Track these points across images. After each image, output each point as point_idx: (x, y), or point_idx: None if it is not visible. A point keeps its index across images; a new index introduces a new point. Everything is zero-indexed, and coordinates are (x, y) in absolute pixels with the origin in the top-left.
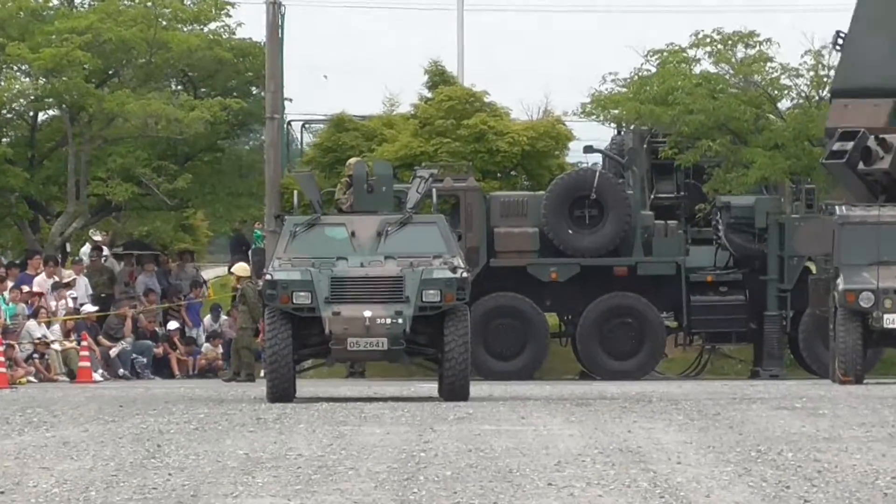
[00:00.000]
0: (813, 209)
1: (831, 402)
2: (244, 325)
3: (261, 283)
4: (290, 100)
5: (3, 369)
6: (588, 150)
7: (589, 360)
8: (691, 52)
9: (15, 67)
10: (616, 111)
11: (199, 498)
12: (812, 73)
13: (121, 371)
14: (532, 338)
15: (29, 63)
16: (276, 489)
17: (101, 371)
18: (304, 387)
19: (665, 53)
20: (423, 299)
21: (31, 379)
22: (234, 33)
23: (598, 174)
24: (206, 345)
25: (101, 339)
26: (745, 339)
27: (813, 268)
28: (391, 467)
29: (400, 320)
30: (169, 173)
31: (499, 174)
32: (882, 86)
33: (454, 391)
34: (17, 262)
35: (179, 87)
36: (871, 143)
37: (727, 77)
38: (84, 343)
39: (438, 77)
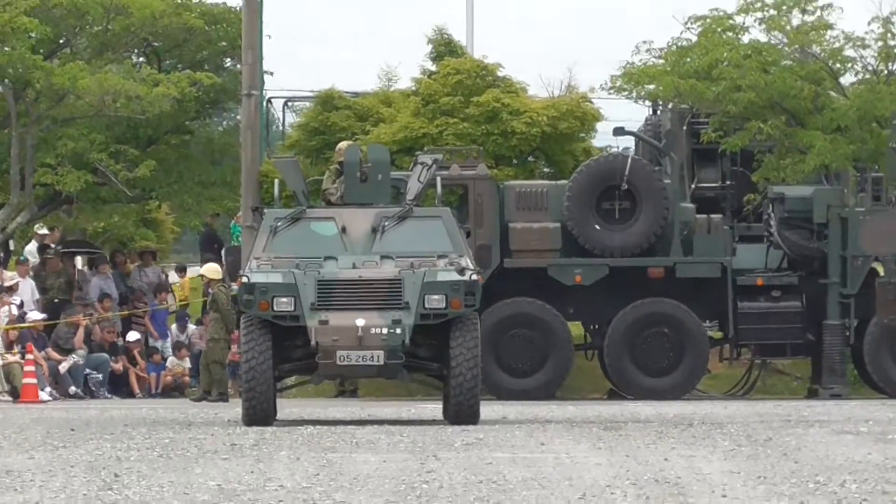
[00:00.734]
0: (881, 201)
1: None
2: (216, 336)
3: (235, 286)
4: (271, 73)
5: None
6: (618, 132)
7: (619, 376)
8: (739, 19)
9: None
10: (651, 87)
11: None
12: (880, 44)
13: (72, 389)
14: (553, 351)
15: None
16: None
17: (48, 389)
18: (286, 407)
19: (708, 20)
20: (426, 306)
21: None
22: None
23: (630, 160)
24: (172, 358)
25: (50, 351)
26: (801, 353)
27: (881, 269)
28: (388, 501)
29: (398, 330)
30: (129, 159)
31: (514, 160)
32: None
33: (462, 413)
34: None
35: (141, 60)
36: None
37: (781, 48)
38: (29, 356)
39: (444, 47)
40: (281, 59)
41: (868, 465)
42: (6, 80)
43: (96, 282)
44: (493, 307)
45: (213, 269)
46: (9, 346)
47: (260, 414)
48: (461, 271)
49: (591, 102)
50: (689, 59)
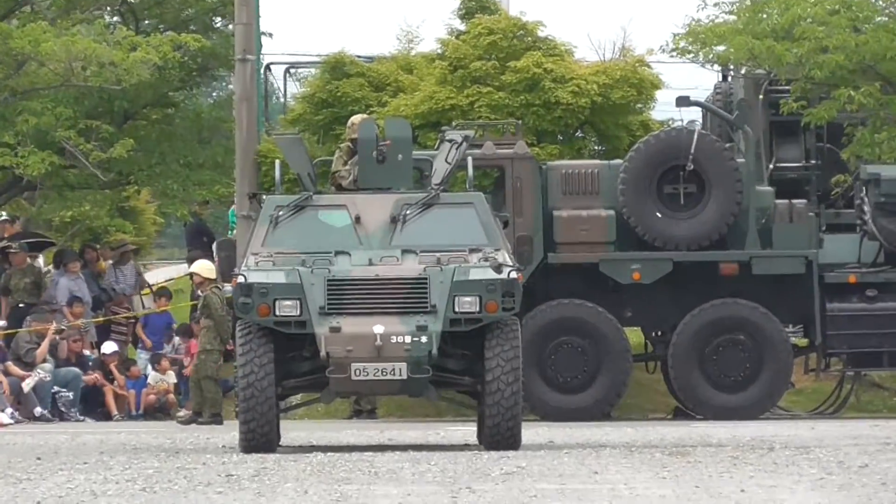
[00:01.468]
0: None
1: None
2: (208, 347)
3: (230, 287)
4: (270, 35)
5: None
6: (682, 102)
7: (686, 392)
8: None
9: None
10: (720, 48)
11: None
12: None
13: (38, 410)
14: (607, 362)
15: None
16: None
17: (10, 410)
18: (291, 431)
19: None
20: (456, 309)
21: None
22: None
23: (696, 136)
24: (153, 373)
25: (10, 365)
26: None
27: None
28: None
29: (424, 338)
30: (102, 138)
31: (559, 136)
32: None
33: (500, 436)
34: None
35: (116, 19)
36: None
37: (875, 1)
38: None
39: (475, 3)
40: (282, 17)
41: None
42: None
43: (65, 283)
44: (536, 311)
45: (206, 267)
46: None
47: (260, 439)
48: (498, 268)
49: (650, 67)
50: (765, 16)
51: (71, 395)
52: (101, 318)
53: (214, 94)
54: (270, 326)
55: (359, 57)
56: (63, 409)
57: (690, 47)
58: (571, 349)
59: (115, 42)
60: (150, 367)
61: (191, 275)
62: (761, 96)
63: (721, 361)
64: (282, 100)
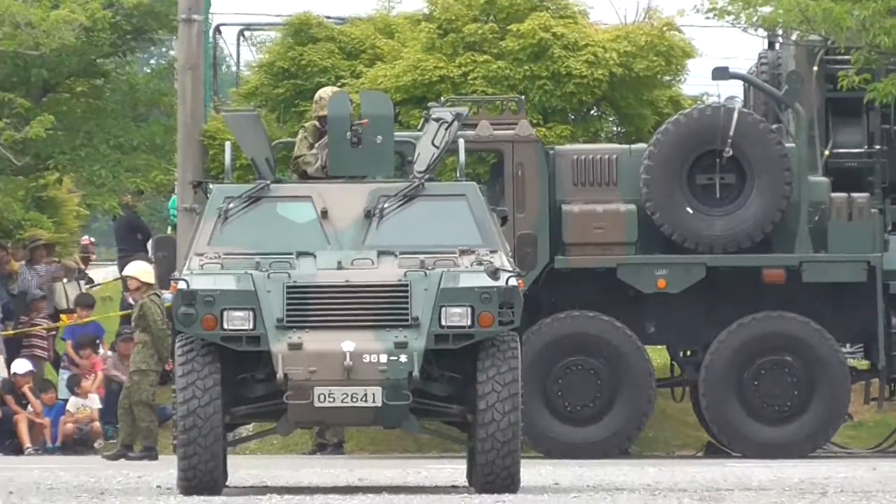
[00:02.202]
0: None
1: None
2: (143, 367)
3: (169, 295)
4: None
5: None
6: (720, 74)
7: (721, 424)
8: None
9: None
10: (766, 9)
11: None
12: None
13: None
14: (625, 388)
15: None
16: None
17: None
18: (240, 468)
19: None
20: (443, 322)
21: None
22: None
23: (736, 115)
24: (74, 399)
25: None
26: None
27: None
28: None
29: (403, 357)
30: (16, 114)
31: (571, 115)
32: None
33: (495, 477)
34: None
35: None
36: None
37: None
38: None
39: None
40: None
41: None
42: None
43: None
44: (540, 325)
45: (142, 270)
46: None
47: (203, 478)
48: (494, 273)
49: (680, 32)
50: None
51: None
52: (10, 331)
53: (152, 61)
54: (217, 342)
55: (328, 18)
56: None
57: (730, 7)
58: (582, 372)
59: None
60: (68, 390)
61: (123, 279)
62: (815, 68)
63: (763, 388)
64: (234, 69)
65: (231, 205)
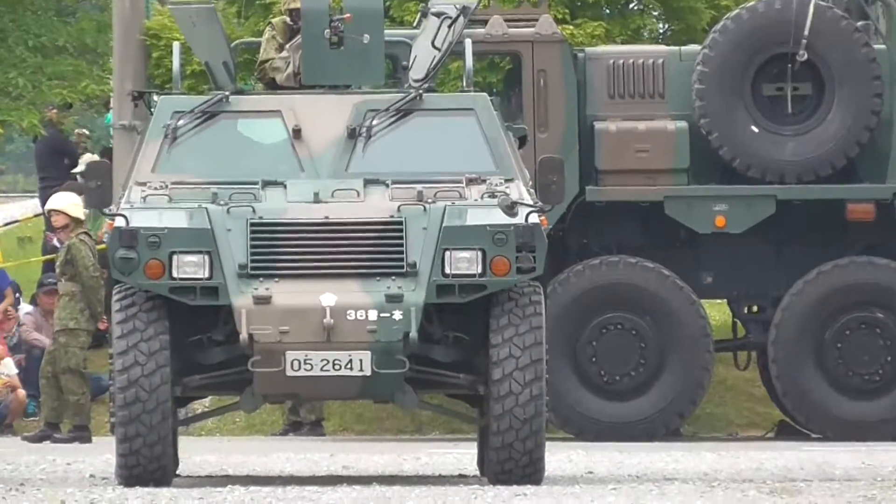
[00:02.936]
0: None
1: None
2: (71, 325)
3: (105, 234)
4: None
5: None
6: None
7: (796, 397)
8: None
9: None
10: None
11: None
12: None
13: None
14: (675, 352)
15: None
16: None
17: None
18: (195, 453)
19: None
20: (447, 270)
21: None
22: None
23: (812, 9)
24: None
25: None
26: None
27: None
28: None
29: (397, 314)
30: None
31: (605, 8)
32: None
33: (512, 464)
34: None
35: None
36: None
37: None
38: None
39: None
40: None
41: None
42: None
43: None
44: (569, 273)
45: (71, 204)
46: None
47: (148, 466)
48: (510, 208)
49: None
50: None
51: None
52: None
53: None
54: (164, 294)
55: None
56: None
57: None
58: (622, 332)
59: None
60: None
61: (47, 214)
62: None
63: (848, 352)
64: None
65: (181, 121)
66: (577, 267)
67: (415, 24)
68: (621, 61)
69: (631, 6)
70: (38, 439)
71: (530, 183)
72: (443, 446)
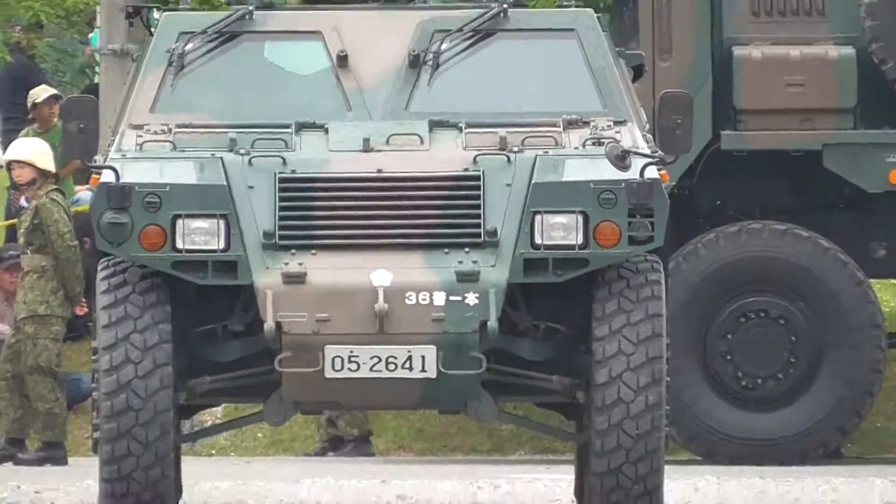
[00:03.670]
0: None
1: None
2: (39, 311)
3: (87, 193)
4: None
5: None
6: None
7: None
8: None
9: None
10: None
11: None
12: None
13: None
14: (837, 348)
15: None
16: None
17: None
18: (204, 479)
19: None
20: (538, 239)
21: None
22: None
23: None
24: None
25: None
26: None
27: None
28: None
29: (472, 297)
30: None
31: None
32: None
33: (623, 495)
34: None
35: None
36: None
37: None
38: None
39: None
40: None
41: None
42: None
43: None
44: (697, 245)
45: (39, 153)
46: None
47: (142, 495)
48: (621, 158)
49: None
50: None
51: None
52: None
53: None
54: (166, 271)
55: None
56: None
57: None
58: (766, 323)
59: None
60: None
61: (7, 166)
62: None
63: None
64: None
65: (189, 45)
66: (709, 236)
67: None
68: None
69: None
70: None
71: (648, 127)
72: (529, 470)
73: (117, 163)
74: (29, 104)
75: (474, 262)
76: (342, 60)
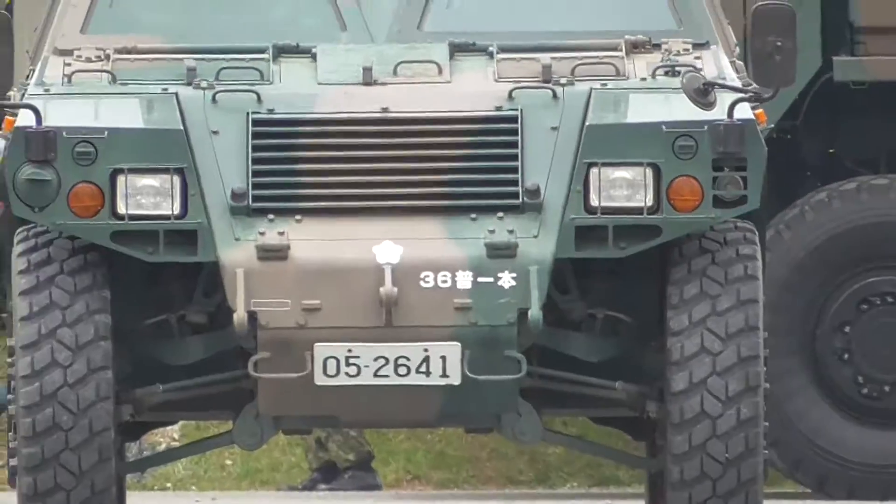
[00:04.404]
0: None
1: None
2: None
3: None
4: None
5: None
6: None
7: None
8: None
9: None
10: None
11: None
12: None
13: None
14: None
15: None
16: None
17: None
18: None
19: None
20: (594, 201)
21: None
22: None
23: None
24: None
25: None
26: None
27: None
28: None
29: (508, 277)
30: None
31: None
32: None
33: None
34: None
35: None
36: None
37: None
38: None
39: None
40: None
41: None
42: None
43: None
44: (804, 207)
45: None
46: None
47: None
48: (702, 93)
49: None
50: None
51: None
52: None
53: None
54: (104, 243)
55: None
56: None
57: None
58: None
59: None
60: None
61: None
62: None
63: None
64: None
65: None
66: (819, 195)
67: None
68: None
69: None
70: None
71: (737, 51)
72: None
73: (38, 100)
74: None
75: (510, 231)
76: None
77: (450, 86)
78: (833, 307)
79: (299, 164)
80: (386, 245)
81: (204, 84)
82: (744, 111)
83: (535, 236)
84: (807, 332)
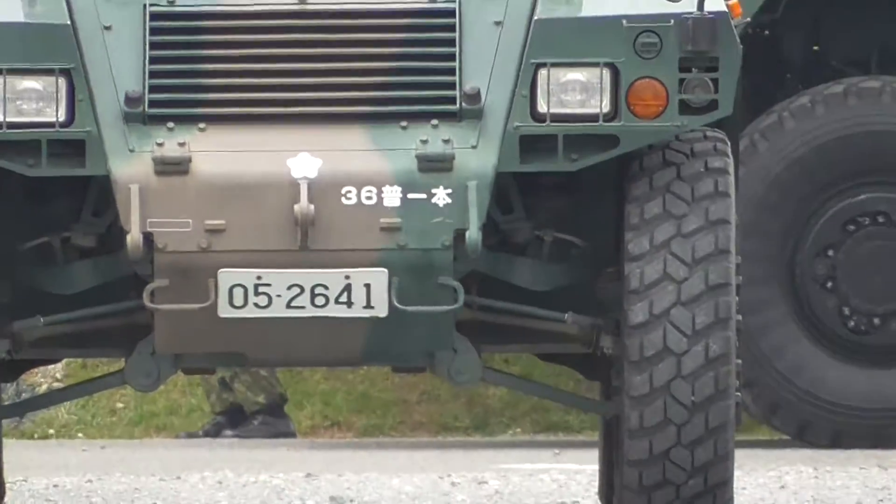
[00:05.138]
0: None
1: None
2: None
3: None
4: None
5: None
6: None
7: None
8: None
9: None
10: None
11: None
12: None
13: None
14: None
15: None
16: None
17: None
18: (40, 472)
19: None
20: (542, 106)
21: None
22: None
23: None
24: None
25: None
26: None
27: None
28: None
29: (441, 194)
30: None
31: None
32: None
33: (670, 493)
34: None
35: None
36: None
37: None
38: None
39: None
40: None
41: None
42: None
43: None
44: (783, 113)
45: None
46: None
47: None
48: None
49: None
50: None
51: None
52: None
53: None
54: None
55: None
56: None
57: None
58: (887, 232)
59: None
60: None
61: None
62: None
63: None
64: None
65: None
66: (801, 100)
67: None
68: None
69: None
70: None
71: None
72: (529, 458)
73: None
74: None
75: (446, 140)
76: None
77: None
78: (815, 228)
79: (203, 65)
80: (302, 157)
81: None
82: (716, 3)
83: (475, 147)
84: (785, 256)
